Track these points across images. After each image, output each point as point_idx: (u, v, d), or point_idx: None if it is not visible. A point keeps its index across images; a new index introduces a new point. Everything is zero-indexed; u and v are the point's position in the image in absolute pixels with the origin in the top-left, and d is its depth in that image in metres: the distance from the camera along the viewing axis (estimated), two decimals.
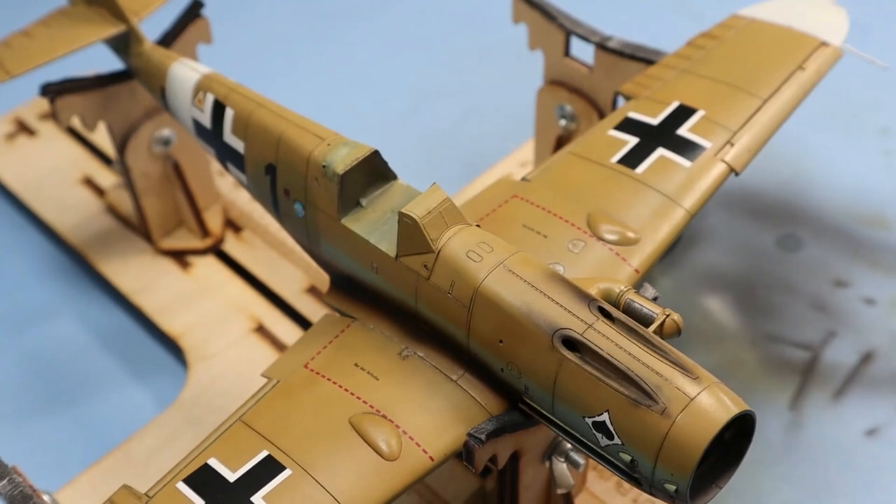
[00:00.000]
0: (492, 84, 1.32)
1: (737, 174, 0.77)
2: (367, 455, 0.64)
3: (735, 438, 0.58)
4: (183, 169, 1.07)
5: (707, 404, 0.56)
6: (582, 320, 0.60)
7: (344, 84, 1.35)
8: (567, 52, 0.97)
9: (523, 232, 0.74)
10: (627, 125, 0.80)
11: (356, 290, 0.74)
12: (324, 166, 0.70)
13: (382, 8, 1.45)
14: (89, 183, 1.18)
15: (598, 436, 0.59)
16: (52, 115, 0.99)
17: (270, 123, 0.75)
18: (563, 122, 1.00)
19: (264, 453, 0.64)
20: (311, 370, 0.70)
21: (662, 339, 0.61)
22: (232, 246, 1.11)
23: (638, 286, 0.70)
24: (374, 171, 0.71)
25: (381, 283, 0.70)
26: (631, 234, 0.73)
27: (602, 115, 0.96)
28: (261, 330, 1.03)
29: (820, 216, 1.12)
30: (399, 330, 0.71)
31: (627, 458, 0.58)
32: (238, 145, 0.79)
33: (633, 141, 0.78)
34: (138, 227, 1.11)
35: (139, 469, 0.91)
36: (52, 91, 0.97)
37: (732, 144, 0.77)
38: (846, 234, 1.10)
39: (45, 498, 0.69)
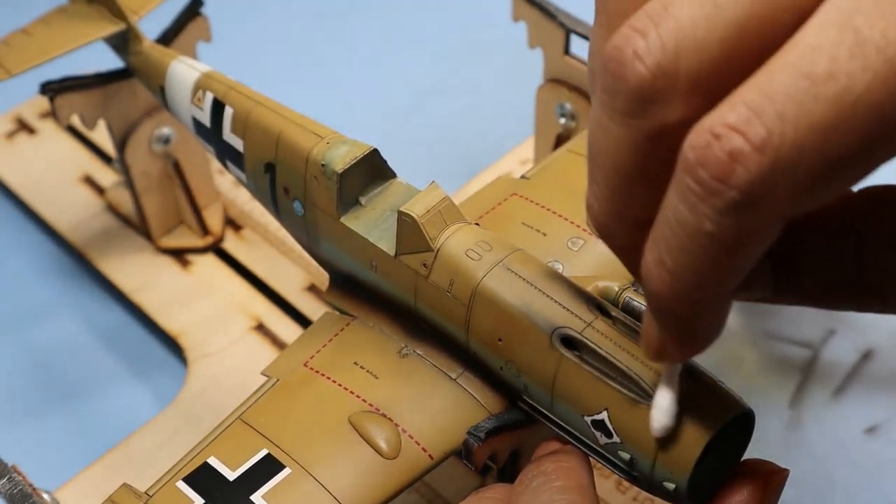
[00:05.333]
0: (491, 82, 1.32)
1: None
2: (367, 454, 0.64)
3: (734, 436, 0.58)
4: (183, 167, 1.07)
5: (706, 403, 0.56)
6: (581, 319, 0.60)
7: (343, 82, 1.35)
8: (567, 51, 0.97)
9: (522, 230, 0.74)
10: None
11: (356, 289, 0.74)
12: (323, 165, 0.70)
13: (382, 6, 1.45)
14: (89, 181, 1.18)
15: (597, 434, 0.59)
16: (52, 114, 1.00)
17: (269, 122, 0.75)
18: (562, 121, 1.00)
19: (264, 452, 0.64)
20: (311, 368, 0.70)
21: None
22: (232, 244, 1.11)
23: (637, 284, 0.70)
24: (373, 169, 0.71)
25: (380, 282, 0.70)
26: None
27: None
28: (261, 328, 1.03)
29: None
30: (398, 328, 0.71)
31: (626, 456, 0.58)
32: (237, 143, 0.79)
33: None
34: (138, 226, 1.11)
35: (139, 467, 0.92)
36: (52, 89, 0.97)
37: None
38: None
39: (45, 497, 0.69)
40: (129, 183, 1.06)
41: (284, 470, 0.64)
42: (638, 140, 0.45)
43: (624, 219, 0.48)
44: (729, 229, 0.42)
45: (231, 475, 0.64)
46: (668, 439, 0.56)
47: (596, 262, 0.71)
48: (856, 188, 0.48)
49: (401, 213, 0.66)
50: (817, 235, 0.51)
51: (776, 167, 0.40)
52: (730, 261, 0.43)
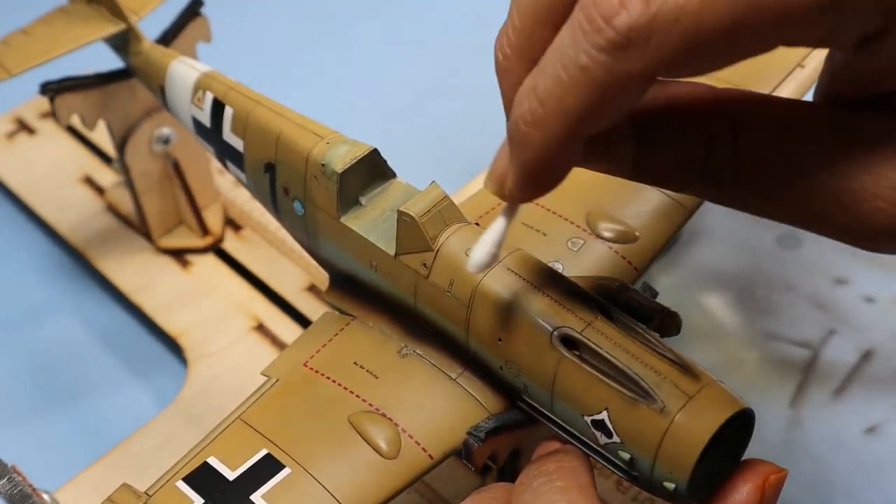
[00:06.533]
0: (491, 83, 1.31)
1: None
2: (367, 453, 0.64)
3: (734, 436, 0.58)
4: (183, 167, 1.07)
5: (705, 402, 0.56)
6: (581, 318, 0.60)
7: (343, 82, 1.35)
8: None
9: (522, 230, 0.74)
10: None
11: (356, 289, 0.74)
12: (323, 164, 0.70)
13: (382, 6, 1.45)
14: (89, 182, 1.18)
15: (597, 434, 0.59)
16: (52, 114, 1.00)
17: (269, 122, 0.75)
18: None
19: (263, 452, 0.64)
20: (311, 368, 0.70)
21: (661, 337, 0.61)
22: (232, 244, 1.11)
23: (637, 284, 0.70)
24: (373, 169, 0.71)
25: (380, 282, 0.70)
26: (630, 232, 0.73)
27: None
28: (261, 328, 1.03)
29: None
30: (398, 328, 0.71)
31: (626, 456, 0.58)
32: (237, 143, 0.79)
33: None
34: (138, 226, 1.11)
35: (139, 467, 0.92)
36: (52, 89, 0.97)
37: None
38: None
39: (45, 497, 0.69)
40: (129, 183, 1.06)
41: (284, 470, 0.64)
42: None
43: (522, 56, 0.53)
44: (599, 66, 0.47)
45: (231, 475, 0.64)
46: (669, 439, 0.56)
47: (596, 262, 0.71)
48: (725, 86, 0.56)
49: (401, 213, 0.66)
50: (677, 122, 0.55)
51: (654, 21, 0.45)
52: (591, 99, 0.48)
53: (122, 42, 0.93)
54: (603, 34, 0.46)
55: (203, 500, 0.63)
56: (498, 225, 0.59)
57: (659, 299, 0.65)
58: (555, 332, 0.60)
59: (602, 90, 0.48)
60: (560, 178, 0.54)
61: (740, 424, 0.57)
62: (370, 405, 0.66)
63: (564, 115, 0.49)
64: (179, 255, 1.10)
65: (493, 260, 0.59)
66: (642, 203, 0.74)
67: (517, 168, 0.53)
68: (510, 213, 0.58)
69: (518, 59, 0.53)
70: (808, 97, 0.82)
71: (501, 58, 0.54)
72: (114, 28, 0.93)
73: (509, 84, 0.54)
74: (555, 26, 0.50)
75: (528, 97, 0.51)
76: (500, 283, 0.63)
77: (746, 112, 0.54)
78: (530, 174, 0.53)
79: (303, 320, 1.03)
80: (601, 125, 0.51)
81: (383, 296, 0.71)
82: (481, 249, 0.58)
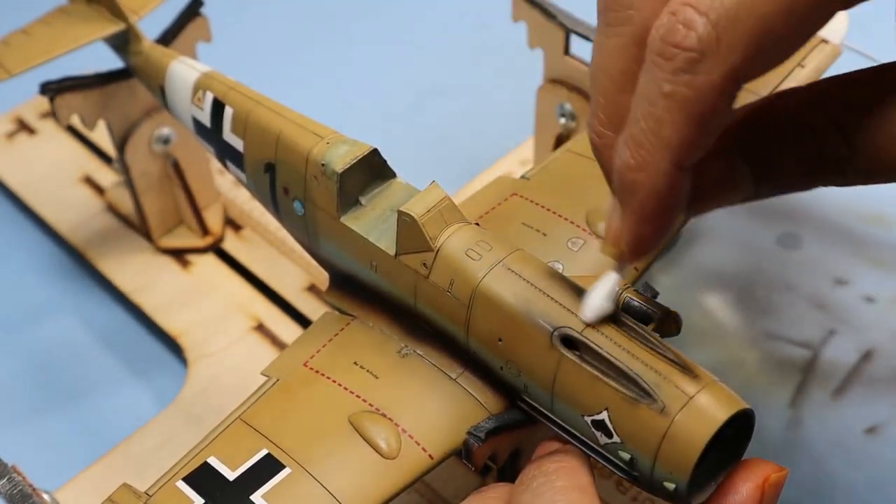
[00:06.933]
0: (491, 83, 1.32)
1: None
2: (367, 454, 0.64)
3: (734, 436, 0.58)
4: (183, 167, 1.07)
5: (706, 402, 0.56)
6: (581, 318, 0.60)
7: (343, 82, 1.35)
8: (567, 51, 0.97)
9: (522, 230, 0.74)
10: None
11: (356, 289, 0.74)
12: (323, 164, 0.70)
13: (382, 6, 1.45)
14: (89, 181, 1.18)
15: (598, 434, 0.59)
16: (52, 114, 0.99)
17: (269, 122, 0.75)
18: (562, 121, 1.00)
19: (264, 452, 0.64)
20: (311, 368, 0.70)
21: (661, 337, 0.61)
22: (232, 244, 1.11)
23: (637, 284, 0.70)
24: (373, 169, 0.71)
25: (380, 282, 0.70)
26: None
27: None
28: (261, 328, 1.03)
29: (820, 214, 1.12)
30: (398, 328, 0.71)
31: (626, 456, 0.58)
32: (237, 143, 0.79)
33: None
34: (138, 226, 1.11)
35: (139, 467, 0.92)
36: (52, 89, 0.97)
37: None
38: (846, 233, 1.10)
39: (45, 497, 0.69)
40: (129, 183, 1.06)
41: (284, 470, 0.64)
42: (626, 45, 0.53)
43: (615, 127, 0.54)
44: (684, 85, 0.49)
45: (231, 475, 0.64)
46: (669, 439, 0.56)
47: (596, 262, 0.71)
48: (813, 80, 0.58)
49: (401, 213, 0.66)
50: (781, 130, 0.57)
51: (718, 26, 0.48)
52: (685, 121, 0.50)
53: (122, 42, 0.94)
54: (678, 58, 0.49)
55: (203, 500, 0.63)
56: (610, 278, 0.60)
57: (659, 299, 0.65)
58: (555, 332, 0.60)
59: (692, 108, 0.50)
60: (674, 218, 0.54)
61: (740, 424, 0.57)
62: (370, 405, 0.66)
63: (665, 147, 0.51)
64: (179, 255, 1.10)
65: (605, 311, 0.59)
66: None
67: (630, 218, 0.54)
68: (621, 269, 0.59)
69: (613, 130, 0.54)
70: None
71: (597, 137, 0.55)
72: (114, 28, 0.93)
73: (609, 156, 0.55)
74: (634, 89, 0.52)
75: (625, 146, 0.52)
76: (500, 284, 0.63)
77: (838, 94, 0.56)
78: (644, 221, 0.54)
79: (303, 320, 1.03)
80: (701, 147, 0.51)
81: (383, 296, 0.71)
82: (594, 302, 0.59)
